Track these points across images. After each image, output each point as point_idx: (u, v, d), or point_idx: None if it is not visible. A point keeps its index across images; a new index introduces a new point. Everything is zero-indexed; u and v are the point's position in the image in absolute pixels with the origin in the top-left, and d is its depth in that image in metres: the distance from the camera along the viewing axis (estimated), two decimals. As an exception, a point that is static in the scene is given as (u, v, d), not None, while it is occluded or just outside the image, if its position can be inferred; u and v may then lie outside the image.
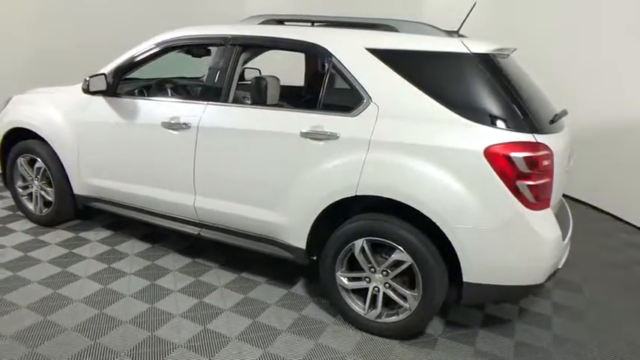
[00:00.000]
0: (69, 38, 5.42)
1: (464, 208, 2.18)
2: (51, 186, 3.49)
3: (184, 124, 2.80)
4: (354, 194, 2.37)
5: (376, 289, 2.49)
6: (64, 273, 2.98)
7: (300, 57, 3.54)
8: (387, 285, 2.46)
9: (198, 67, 3.95)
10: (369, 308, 2.52)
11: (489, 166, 2.13)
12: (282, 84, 2.89)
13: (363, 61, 2.43)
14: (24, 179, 3.66)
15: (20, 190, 3.68)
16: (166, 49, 3.02)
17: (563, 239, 2.36)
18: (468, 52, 2.28)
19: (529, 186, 2.12)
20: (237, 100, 2.79)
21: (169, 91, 3.50)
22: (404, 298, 2.43)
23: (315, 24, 2.81)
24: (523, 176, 2.11)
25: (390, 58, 2.38)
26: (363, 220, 2.42)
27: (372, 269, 2.47)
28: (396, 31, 2.52)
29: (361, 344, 2.48)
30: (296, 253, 2.66)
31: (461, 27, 2.73)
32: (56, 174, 3.40)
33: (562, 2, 4.91)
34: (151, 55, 3.07)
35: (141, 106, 3.01)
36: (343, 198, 2.41)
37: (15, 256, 3.15)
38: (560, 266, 2.40)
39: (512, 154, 2.11)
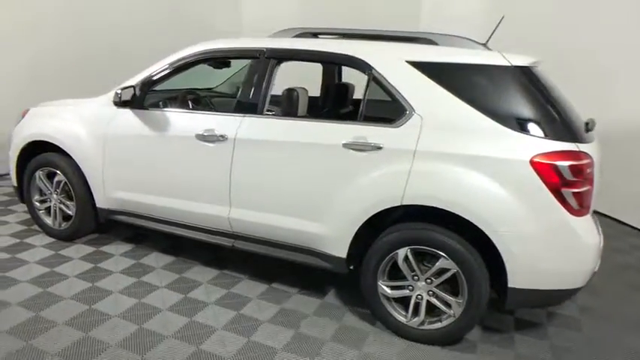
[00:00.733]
0: (67, 52, 5.34)
1: (511, 216, 2.25)
2: (71, 199, 3.43)
3: (221, 136, 2.80)
4: (399, 204, 2.41)
5: (419, 296, 2.53)
6: (95, 288, 2.93)
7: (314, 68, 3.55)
8: (431, 292, 2.50)
9: (209, 78, 3.98)
10: (412, 316, 2.56)
11: (536, 175, 2.21)
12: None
13: (405, 74, 2.49)
14: (41, 193, 3.58)
15: (37, 204, 3.60)
16: (198, 61, 3.02)
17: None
18: (509, 64, 2.36)
19: (574, 193, 2.21)
20: (284, 113, 2.82)
21: (191, 103, 3.48)
22: (447, 305, 2.48)
23: (349, 37, 2.86)
24: (568, 184, 2.20)
25: (432, 70, 2.45)
26: (408, 228, 2.47)
27: (416, 277, 2.51)
28: (435, 44, 2.59)
29: (405, 351, 2.51)
30: (335, 262, 2.68)
31: (489, 40, 2.82)
32: (78, 187, 3.35)
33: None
34: (181, 66, 3.06)
35: (172, 119, 3.00)
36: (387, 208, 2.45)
37: (41, 272, 3.08)
38: (596, 270, 2.49)
39: (559, 163, 2.19)
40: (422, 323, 2.55)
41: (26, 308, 2.65)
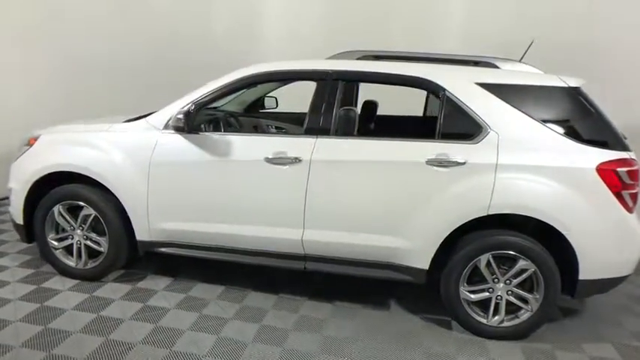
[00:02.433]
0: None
1: (582, 217, 2.58)
2: (99, 234, 3.12)
3: (295, 158, 2.79)
4: (485, 214, 2.63)
5: (499, 297, 2.76)
6: (162, 328, 2.71)
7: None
8: (510, 292, 2.75)
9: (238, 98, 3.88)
10: (492, 316, 2.78)
11: (600, 180, 2.57)
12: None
13: (476, 94, 2.73)
14: (57, 230, 3.20)
15: (54, 243, 3.20)
16: (256, 82, 2.98)
17: None
18: (566, 85, 2.71)
19: (630, 194, 2.60)
20: (342, 132, 2.86)
21: (237, 124, 3.39)
22: (525, 301, 2.74)
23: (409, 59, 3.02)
24: (627, 187, 2.59)
25: (501, 91, 2.71)
26: (491, 236, 2.69)
27: (496, 280, 2.74)
28: (496, 67, 2.87)
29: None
30: (417, 274, 2.82)
31: (522, 58, 3.16)
32: (113, 221, 3.06)
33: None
34: (236, 88, 2.99)
35: (234, 142, 2.90)
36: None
37: (88, 319, 2.76)
38: None
39: (619, 169, 2.57)
40: (501, 322, 2.78)
41: (102, 360, 2.39)
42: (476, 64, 2.92)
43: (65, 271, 3.24)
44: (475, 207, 2.64)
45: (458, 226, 2.68)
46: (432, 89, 2.79)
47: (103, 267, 3.17)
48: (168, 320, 2.80)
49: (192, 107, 2.88)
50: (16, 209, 3.22)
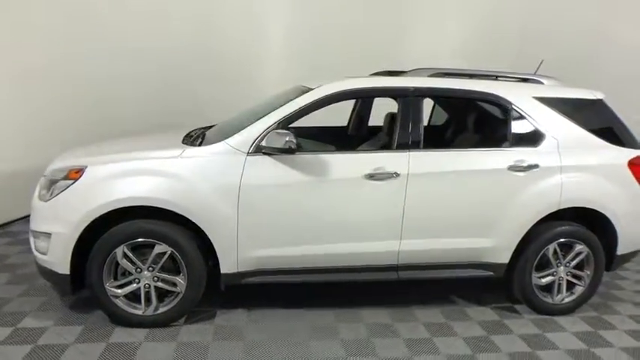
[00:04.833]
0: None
1: (621, 204, 3.18)
2: (172, 273, 2.79)
3: (394, 173, 2.87)
4: (557, 209, 3.07)
5: (561, 278, 3.24)
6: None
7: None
8: (569, 273, 3.24)
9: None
10: (556, 294, 3.25)
11: (630, 173, 3.20)
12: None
13: (535, 107, 3.15)
14: (116, 275, 2.76)
15: (115, 290, 2.75)
16: (341, 99, 2.97)
17: None
18: (596, 97, 3.30)
19: (650, 182, 3.29)
20: (430, 146, 3.05)
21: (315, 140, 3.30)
22: (579, 278, 3.27)
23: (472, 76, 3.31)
24: (646, 177, 3.27)
25: (551, 103, 3.18)
26: (558, 227, 3.14)
27: (559, 264, 3.21)
28: (541, 82, 3.33)
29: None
30: (498, 269, 3.14)
31: (536, 71, 3.68)
32: (193, 256, 2.76)
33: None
34: (320, 105, 2.94)
35: (329, 161, 2.86)
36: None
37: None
38: None
39: (643, 163, 3.24)
40: (563, 299, 3.27)
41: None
42: (525, 80, 3.35)
43: (129, 321, 2.80)
44: (549, 204, 3.06)
45: (536, 222, 3.07)
46: (501, 103, 3.13)
47: (179, 308, 2.84)
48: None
49: (282, 127, 2.77)
50: (58, 257, 2.69)
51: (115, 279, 2.77)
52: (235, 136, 2.84)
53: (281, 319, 3.04)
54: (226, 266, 2.83)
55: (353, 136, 4.17)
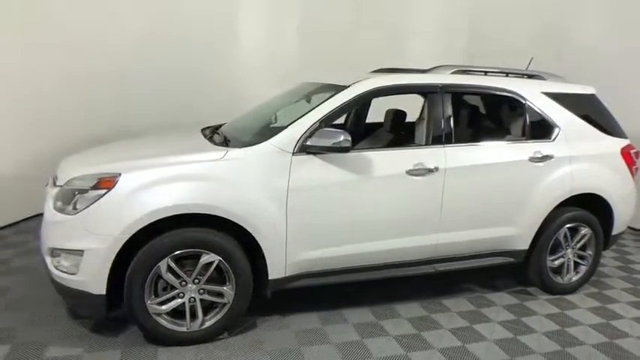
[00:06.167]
0: None
1: (616, 188, 3.52)
2: (217, 283, 2.62)
3: (434, 168, 2.93)
4: (569, 196, 3.32)
5: (569, 259, 3.52)
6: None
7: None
8: (575, 254, 3.53)
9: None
10: (566, 275, 3.52)
11: (622, 160, 3.55)
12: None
13: (544, 101, 3.37)
14: (156, 292, 2.54)
15: (157, 307, 2.52)
16: (374, 96, 2.99)
17: None
18: (591, 92, 3.61)
19: (635, 169, 3.67)
20: (461, 140, 3.15)
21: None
22: (583, 259, 3.57)
23: (489, 73, 3.45)
24: (634, 163, 3.64)
25: (557, 97, 3.43)
26: (568, 212, 3.40)
27: (567, 246, 3.48)
28: (544, 79, 3.56)
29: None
30: (519, 255, 3.34)
31: (527, 67, 3.95)
32: (242, 264, 2.62)
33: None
34: (355, 103, 2.93)
35: (373, 158, 2.85)
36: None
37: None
38: None
39: (632, 151, 3.60)
40: (571, 279, 3.55)
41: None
42: (530, 77, 3.57)
43: (172, 339, 2.59)
44: (563, 191, 3.31)
45: (552, 209, 3.30)
46: (520, 99, 3.31)
47: (226, 320, 2.67)
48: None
49: (323, 126, 2.73)
50: (93, 276, 2.41)
51: (156, 295, 2.55)
52: (278, 135, 2.72)
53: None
54: (275, 271, 2.71)
55: (351, 133, 4.17)
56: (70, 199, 2.50)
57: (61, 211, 2.51)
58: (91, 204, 2.42)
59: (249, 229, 2.59)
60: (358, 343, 2.76)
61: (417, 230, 3.01)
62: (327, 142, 2.64)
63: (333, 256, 2.84)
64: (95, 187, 2.45)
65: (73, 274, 2.44)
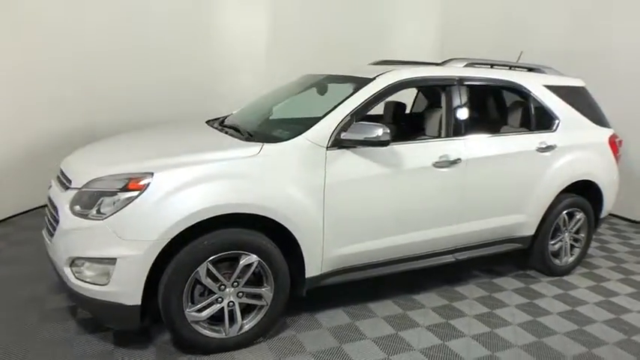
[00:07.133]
0: None
1: (606, 175, 3.79)
2: (254, 285, 2.50)
3: (457, 159, 2.98)
4: (570, 183, 3.52)
5: (566, 242, 3.74)
6: None
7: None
8: (571, 238, 3.76)
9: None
10: (563, 257, 3.74)
11: (609, 148, 3.82)
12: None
13: (545, 93, 3.54)
14: (192, 299, 2.38)
15: (198, 314, 2.36)
16: (399, 89, 2.95)
17: None
18: (581, 84, 3.83)
19: (619, 156, 3.95)
20: (480, 131, 3.21)
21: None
22: (577, 241, 3.81)
23: (495, 66, 3.55)
24: (617, 151, 3.92)
25: (556, 90, 3.61)
26: (568, 198, 3.60)
27: (565, 230, 3.70)
28: (544, 72, 3.73)
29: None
30: (525, 241, 3.50)
31: (518, 60, 4.13)
32: (280, 264, 2.52)
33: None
34: (382, 95, 2.88)
35: (402, 151, 2.83)
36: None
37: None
38: None
39: (616, 140, 3.87)
40: (568, 260, 3.77)
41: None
42: (530, 70, 3.72)
43: (210, 346, 2.44)
44: (566, 178, 3.51)
45: (555, 196, 3.48)
46: (524, 91, 3.44)
47: (265, 323, 2.56)
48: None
49: (354, 119, 2.69)
50: (128, 285, 2.21)
51: (192, 302, 2.38)
52: (312, 130, 2.63)
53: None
54: (312, 269, 2.64)
55: None
56: (94, 202, 2.27)
57: (83, 216, 2.27)
58: (123, 207, 2.21)
59: (289, 228, 2.49)
60: (394, 336, 2.76)
61: (443, 221, 3.05)
62: (364, 136, 2.59)
63: (365, 251, 2.81)
64: (124, 189, 2.24)
65: (103, 284, 2.22)
